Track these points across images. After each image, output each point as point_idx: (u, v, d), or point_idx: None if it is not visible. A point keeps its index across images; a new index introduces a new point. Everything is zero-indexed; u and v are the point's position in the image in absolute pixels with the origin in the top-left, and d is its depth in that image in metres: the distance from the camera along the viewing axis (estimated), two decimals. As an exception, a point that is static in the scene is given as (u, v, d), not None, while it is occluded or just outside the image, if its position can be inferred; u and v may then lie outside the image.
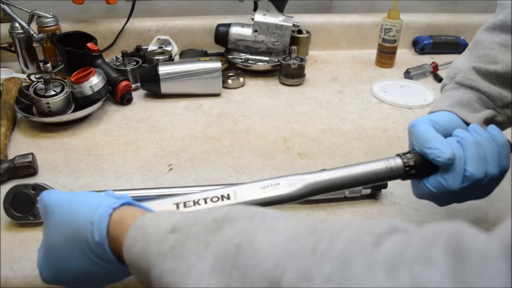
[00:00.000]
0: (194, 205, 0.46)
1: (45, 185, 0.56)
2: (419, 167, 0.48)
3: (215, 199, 0.46)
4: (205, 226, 0.32)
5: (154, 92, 0.91)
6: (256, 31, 1.01)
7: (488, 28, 0.54)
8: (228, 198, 0.46)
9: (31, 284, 0.49)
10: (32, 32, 0.92)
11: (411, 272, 0.21)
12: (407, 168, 0.48)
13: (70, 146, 0.74)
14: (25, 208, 0.55)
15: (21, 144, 0.74)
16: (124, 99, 0.87)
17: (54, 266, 0.41)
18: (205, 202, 0.46)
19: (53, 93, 0.77)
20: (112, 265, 0.38)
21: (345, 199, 0.62)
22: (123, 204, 0.39)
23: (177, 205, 0.46)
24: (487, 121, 0.52)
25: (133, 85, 0.91)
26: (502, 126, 0.53)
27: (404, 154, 0.49)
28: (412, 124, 0.50)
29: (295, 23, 1.02)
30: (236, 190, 0.47)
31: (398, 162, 0.48)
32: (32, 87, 0.78)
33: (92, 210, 0.38)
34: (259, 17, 1.00)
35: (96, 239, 0.37)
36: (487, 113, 0.52)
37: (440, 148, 0.46)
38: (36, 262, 0.43)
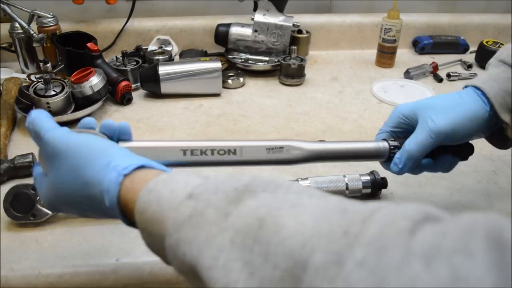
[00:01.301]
0: (201, 154, 0.48)
1: (45, 185, 0.56)
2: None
3: (221, 152, 0.48)
4: (225, 196, 0.31)
5: (154, 92, 0.91)
6: (256, 31, 1.01)
7: None
8: (234, 153, 0.49)
9: (31, 284, 0.49)
10: (32, 32, 0.92)
11: (450, 264, 0.20)
12: (392, 148, 0.53)
13: (70, 146, 0.74)
14: (25, 208, 0.55)
15: (21, 144, 0.74)
16: (124, 99, 0.87)
17: (59, 201, 0.40)
18: (212, 153, 0.48)
19: (53, 93, 0.77)
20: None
21: (345, 199, 0.62)
22: (134, 168, 0.37)
23: (184, 151, 0.47)
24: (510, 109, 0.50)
25: (133, 85, 0.91)
26: None
27: (389, 139, 0.54)
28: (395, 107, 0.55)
29: (295, 23, 1.02)
30: (242, 147, 0.49)
31: (385, 144, 0.53)
32: (32, 87, 0.78)
33: (103, 172, 0.37)
34: (259, 17, 1.00)
35: (106, 204, 0.36)
36: None
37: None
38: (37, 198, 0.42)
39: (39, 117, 0.42)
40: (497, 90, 0.50)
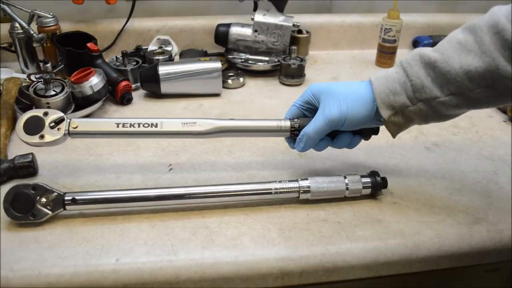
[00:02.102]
0: (130, 126, 0.60)
1: (45, 185, 0.56)
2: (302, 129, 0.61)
3: (146, 125, 0.61)
4: None
5: (154, 92, 0.91)
6: (256, 31, 1.01)
7: (463, 26, 0.54)
8: (156, 126, 0.61)
9: (31, 284, 0.49)
10: (32, 32, 0.92)
11: None
12: (292, 129, 0.62)
13: (70, 146, 0.74)
14: (25, 208, 0.55)
15: (21, 144, 0.74)
16: (124, 99, 0.87)
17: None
18: (138, 126, 0.61)
19: (53, 93, 0.77)
20: None
21: (345, 199, 0.62)
22: None
23: (118, 124, 0.60)
24: (393, 108, 0.55)
25: (133, 85, 0.91)
26: (412, 116, 0.55)
27: (293, 119, 0.63)
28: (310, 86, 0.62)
29: (295, 23, 1.02)
30: (162, 121, 0.61)
31: (287, 123, 0.62)
32: (32, 87, 0.78)
33: None
34: (259, 17, 1.00)
35: None
36: (401, 100, 0.54)
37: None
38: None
39: None
40: (384, 88, 0.55)
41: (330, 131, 0.58)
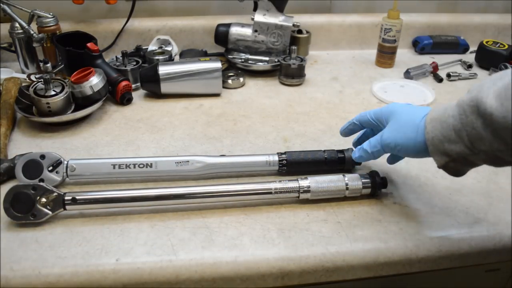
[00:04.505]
0: (126, 167, 0.62)
1: (45, 185, 0.56)
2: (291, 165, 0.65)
3: (141, 165, 0.63)
4: None
5: (154, 92, 0.91)
6: (256, 31, 1.01)
7: None
8: (151, 166, 0.63)
9: (31, 284, 0.49)
10: (32, 32, 0.92)
11: None
12: (280, 164, 0.65)
13: (70, 146, 0.74)
14: (25, 208, 0.55)
15: (21, 144, 0.74)
16: (124, 99, 0.87)
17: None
18: (134, 167, 0.63)
19: (53, 93, 0.77)
20: None
21: (345, 199, 0.62)
22: None
23: (114, 165, 0.63)
24: (449, 155, 0.48)
25: (133, 85, 0.91)
26: (476, 162, 0.48)
27: (281, 154, 0.66)
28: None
29: (295, 23, 1.02)
30: (157, 161, 0.63)
31: (275, 157, 0.65)
32: (32, 87, 0.78)
33: None
34: (259, 17, 1.00)
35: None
36: (458, 148, 0.47)
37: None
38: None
39: None
40: (438, 133, 0.48)
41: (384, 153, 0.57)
